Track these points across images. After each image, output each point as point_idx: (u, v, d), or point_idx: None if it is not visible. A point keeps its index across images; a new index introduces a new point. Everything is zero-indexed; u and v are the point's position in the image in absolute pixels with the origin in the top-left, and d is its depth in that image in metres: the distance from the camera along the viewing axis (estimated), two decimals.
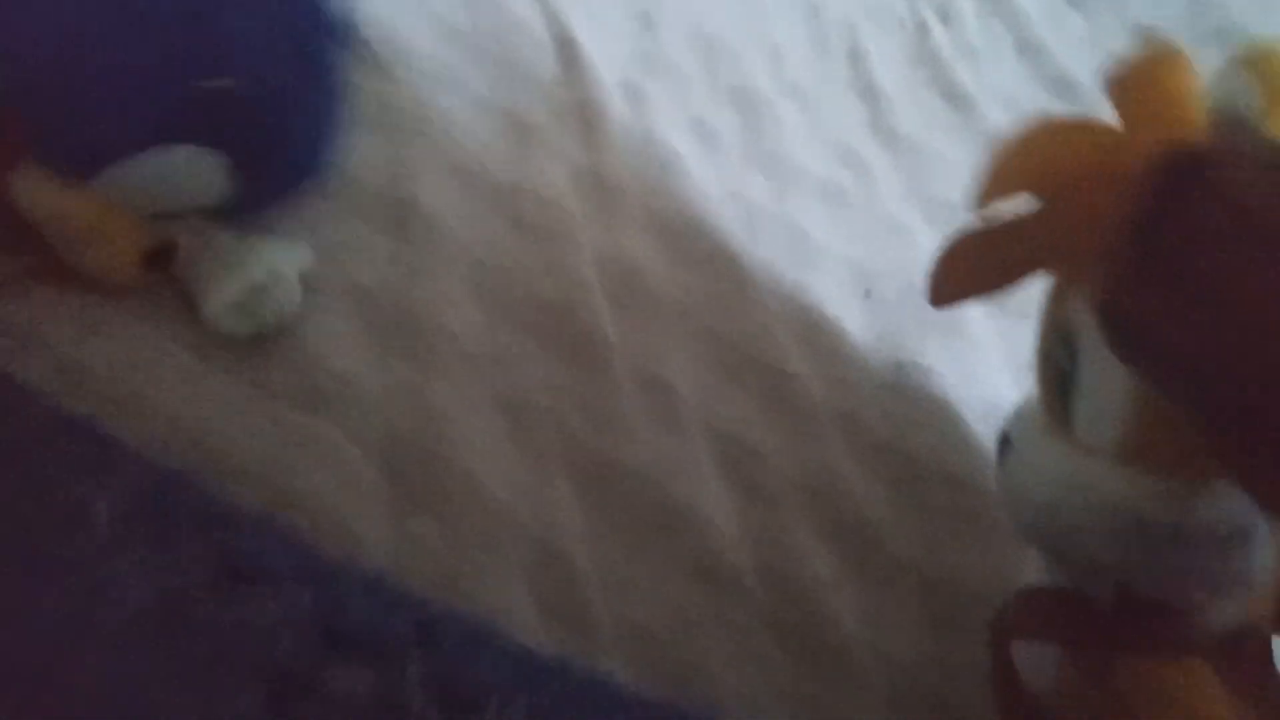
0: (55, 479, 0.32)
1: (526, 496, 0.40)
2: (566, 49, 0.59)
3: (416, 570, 0.36)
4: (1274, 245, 0.24)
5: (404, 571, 0.36)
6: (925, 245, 0.59)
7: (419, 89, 0.51)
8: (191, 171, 0.39)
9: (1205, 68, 0.31)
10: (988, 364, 0.53)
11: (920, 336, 0.53)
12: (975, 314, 0.56)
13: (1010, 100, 0.73)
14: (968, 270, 0.35)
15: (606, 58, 0.60)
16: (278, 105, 0.40)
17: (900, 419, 0.50)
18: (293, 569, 0.32)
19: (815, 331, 0.53)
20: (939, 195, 0.63)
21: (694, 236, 0.53)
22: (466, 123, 0.51)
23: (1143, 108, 0.30)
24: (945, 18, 0.78)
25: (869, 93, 0.68)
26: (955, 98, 0.71)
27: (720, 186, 0.57)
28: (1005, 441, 0.37)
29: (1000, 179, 0.31)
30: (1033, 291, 0.58)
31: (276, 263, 0.41)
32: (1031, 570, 0.39)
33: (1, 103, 0.36)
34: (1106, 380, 0.31)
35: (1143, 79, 0.30)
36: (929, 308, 0.37)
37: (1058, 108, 0.73)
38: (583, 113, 0.55)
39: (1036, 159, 0.31)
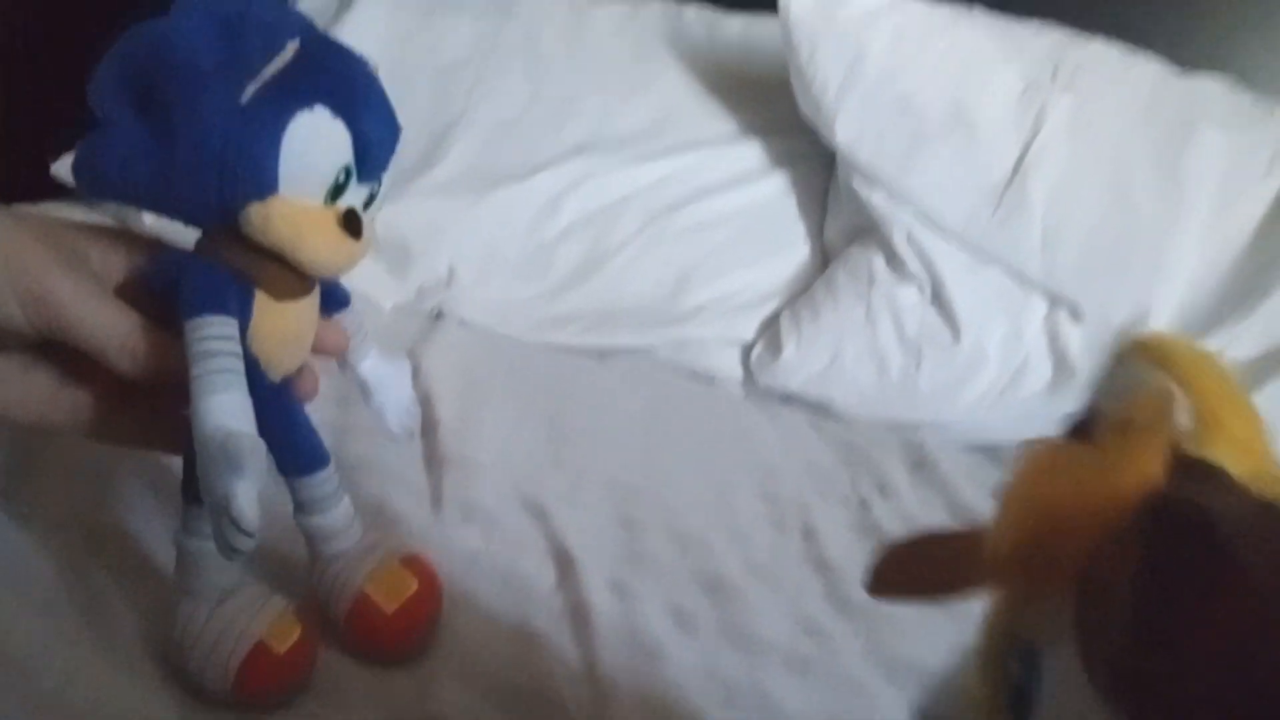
0: None
1: None
2: (562, 558, 0.71)
3: None
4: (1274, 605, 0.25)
5: None
6: (886, 704, 0.66)
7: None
8: (318, 133, 0.45)
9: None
10: None
11: None
12: None
13: None
14: (920, 568, 0.34)
15: (596, 561, 0.72)
16: (323, 44, 0.47)
17: None
18: None
19: None
20: (896, 654, 0.71)
21: (679, 718, 0.61)
22: (485, 636, 0.62)
23: (1126, 448, 0.30)
24: (884, 492, 0.93)
25: (822, 565, 0.80)
26: None
27: (699, 667, 0.66)
28: None
29: (1007, 514, 0.31)
30: None
31: None
32: None
33: None
34: (1079, 712, 0.29)
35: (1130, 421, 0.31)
36: None
37: None
38: (576, 615, 0.66)
39: (1028, 483, 0.31)
